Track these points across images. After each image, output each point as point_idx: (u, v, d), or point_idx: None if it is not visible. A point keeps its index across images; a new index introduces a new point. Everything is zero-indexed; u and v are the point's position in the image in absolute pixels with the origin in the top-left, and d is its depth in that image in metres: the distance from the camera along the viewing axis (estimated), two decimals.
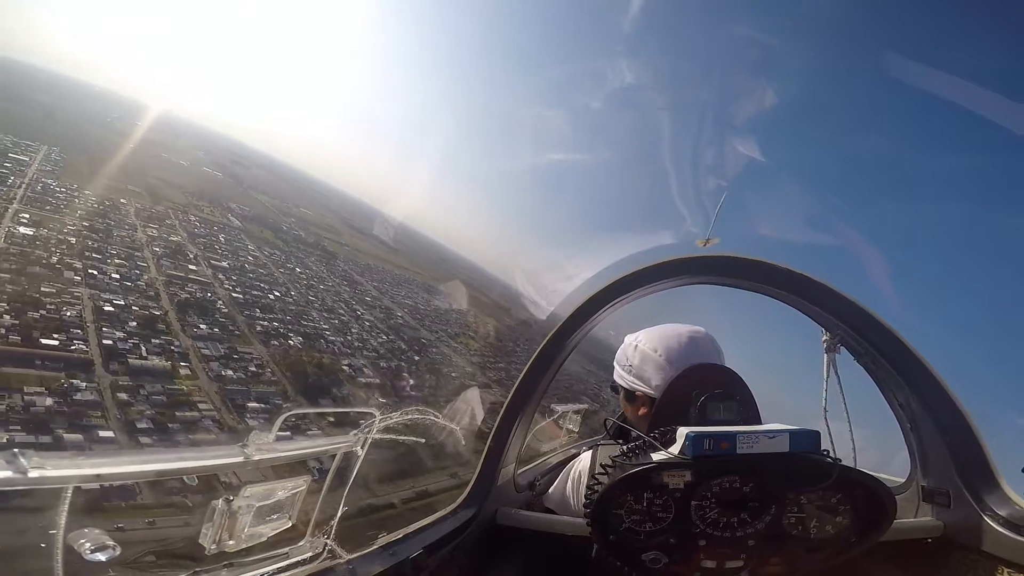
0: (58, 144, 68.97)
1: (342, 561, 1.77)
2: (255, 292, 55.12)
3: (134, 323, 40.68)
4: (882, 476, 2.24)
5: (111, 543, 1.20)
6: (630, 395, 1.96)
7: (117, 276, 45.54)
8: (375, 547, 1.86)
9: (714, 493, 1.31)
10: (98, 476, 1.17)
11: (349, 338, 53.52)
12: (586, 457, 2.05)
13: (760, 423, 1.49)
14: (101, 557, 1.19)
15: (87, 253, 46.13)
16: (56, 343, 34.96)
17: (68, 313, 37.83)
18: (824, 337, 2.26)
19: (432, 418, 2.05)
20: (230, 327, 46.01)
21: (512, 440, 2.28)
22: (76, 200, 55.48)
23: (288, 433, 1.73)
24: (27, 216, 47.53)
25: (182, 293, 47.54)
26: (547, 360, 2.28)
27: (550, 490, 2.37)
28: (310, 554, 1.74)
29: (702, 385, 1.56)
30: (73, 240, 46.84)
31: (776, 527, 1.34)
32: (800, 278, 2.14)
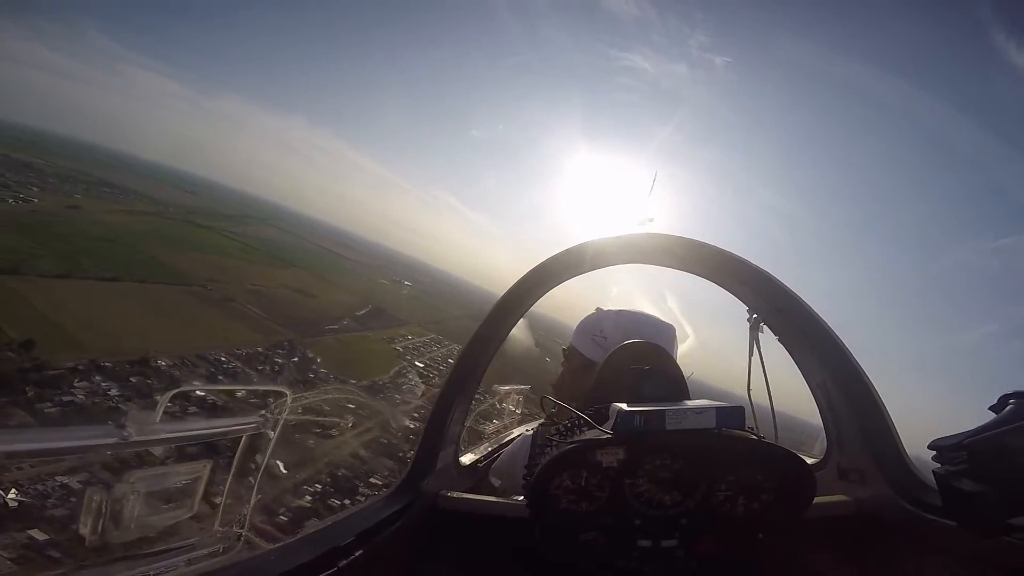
0: None
1: (259, 552, 1.59)
2: None
3: None
4: (803, 454, 2.15)
5: None
6: (577, 362, 2.09)
7: None
8: (299, 536, 1.69)
9: (647, 471, 1.31)
10: None
11: None
12: (530, 436, 2.03)
13: (689, 399, 1.46)
14: None
15: None
16: None
17: None
18: (748, 316, 2.34)
19: (357, 398, 1.87)
20: None
21: (452, 421, 2.14)
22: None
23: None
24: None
25: None
26: (485, 339, 2.21)
27: (495, 464, 2.39)
28: (221, 545, 1.62)
29: (634, 361, 1.58)
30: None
31: (707, 505, 1.35)
32: (725, 257, 2.14)
